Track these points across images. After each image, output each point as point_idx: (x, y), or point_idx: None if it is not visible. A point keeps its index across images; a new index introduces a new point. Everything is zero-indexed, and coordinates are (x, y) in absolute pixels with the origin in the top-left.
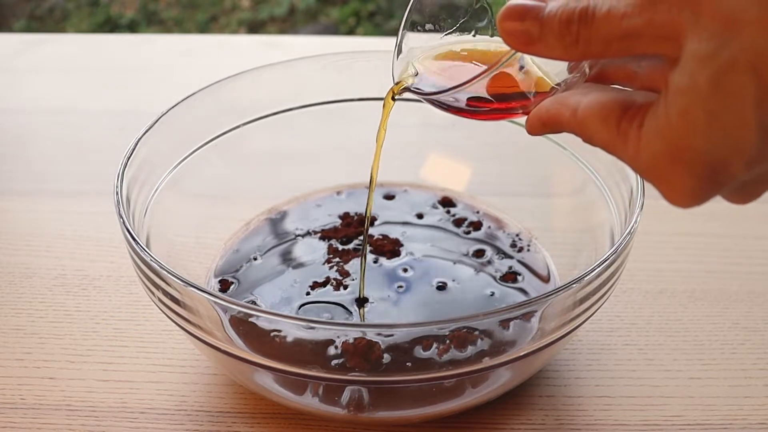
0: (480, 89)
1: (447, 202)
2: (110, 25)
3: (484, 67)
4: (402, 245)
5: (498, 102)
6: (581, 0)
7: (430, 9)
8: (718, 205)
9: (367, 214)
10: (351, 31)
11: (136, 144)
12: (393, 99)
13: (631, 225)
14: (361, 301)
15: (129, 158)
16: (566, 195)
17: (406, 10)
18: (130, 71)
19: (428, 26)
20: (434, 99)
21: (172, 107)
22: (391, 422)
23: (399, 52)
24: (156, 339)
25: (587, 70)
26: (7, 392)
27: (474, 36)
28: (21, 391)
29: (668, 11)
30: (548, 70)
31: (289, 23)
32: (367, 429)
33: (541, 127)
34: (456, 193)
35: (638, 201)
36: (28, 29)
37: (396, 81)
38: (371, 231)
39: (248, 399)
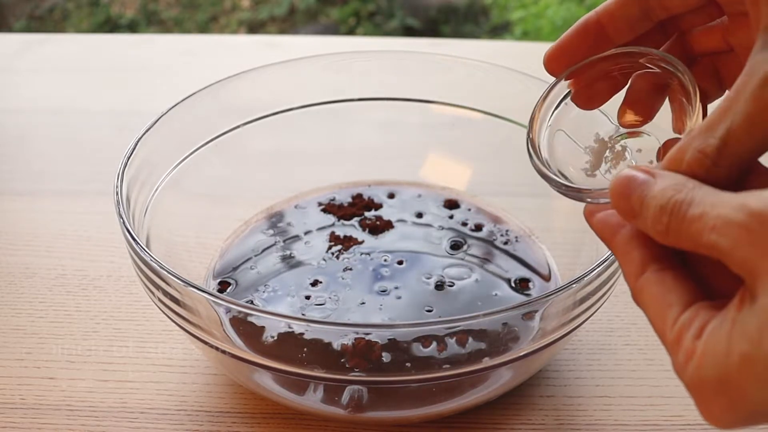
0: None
1: (452, 204)
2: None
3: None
4: (393, 227)
5: None
6: (683, 188)
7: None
8: None
9: None
10: (351, 31)
11: (136, 144)
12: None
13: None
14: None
15: (129, 158)
16: None
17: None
18: (130, 71)
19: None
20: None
21: (172, 107)
22: (391, 422)
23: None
24: (156, 339)
25: None
26: (7, 392)
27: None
28: (21, 391)
29: (750, 252)
30: None
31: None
32: (367, 429)
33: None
34: (458, 193)
35: None
36: (28, 29)
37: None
38: (366, 214)
39: (248, 399)
